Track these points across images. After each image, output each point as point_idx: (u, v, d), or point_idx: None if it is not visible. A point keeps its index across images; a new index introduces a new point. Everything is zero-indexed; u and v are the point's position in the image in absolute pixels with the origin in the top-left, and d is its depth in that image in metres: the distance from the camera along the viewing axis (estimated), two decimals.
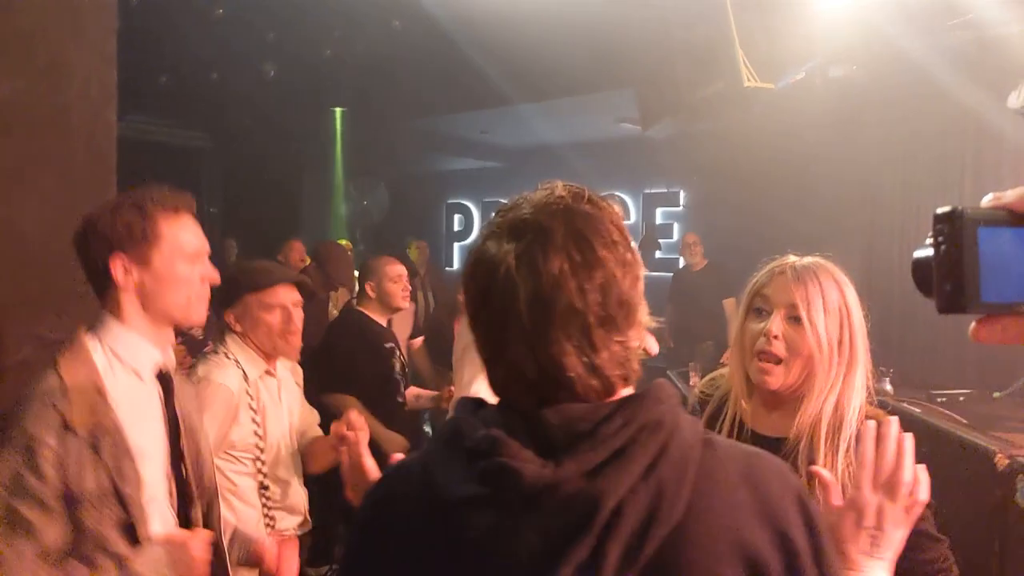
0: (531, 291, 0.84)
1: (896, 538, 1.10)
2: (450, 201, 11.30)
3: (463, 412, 0.92)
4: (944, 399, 3.62)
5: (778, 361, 1.41)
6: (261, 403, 2.40)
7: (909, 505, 1.09)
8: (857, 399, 1.39)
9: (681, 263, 7.31)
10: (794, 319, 1.40)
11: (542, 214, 0.87)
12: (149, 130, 8.82)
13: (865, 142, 5.87)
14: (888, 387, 3.70)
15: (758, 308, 1.46)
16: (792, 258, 1.47)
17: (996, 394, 3.82)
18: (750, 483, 0.84)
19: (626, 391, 0.88)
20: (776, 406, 1.47)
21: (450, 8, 5.32)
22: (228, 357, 2.38)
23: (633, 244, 0.90)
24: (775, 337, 1.40)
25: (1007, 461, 2.72)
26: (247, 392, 2.35)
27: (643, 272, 0.89)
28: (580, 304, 0.83)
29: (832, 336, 1.38)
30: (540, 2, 5.03)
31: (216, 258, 1.76)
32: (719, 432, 1.52)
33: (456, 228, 11.25)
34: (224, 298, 2.41)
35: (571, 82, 6.38)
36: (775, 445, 1.38)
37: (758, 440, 1.46)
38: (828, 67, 5.74)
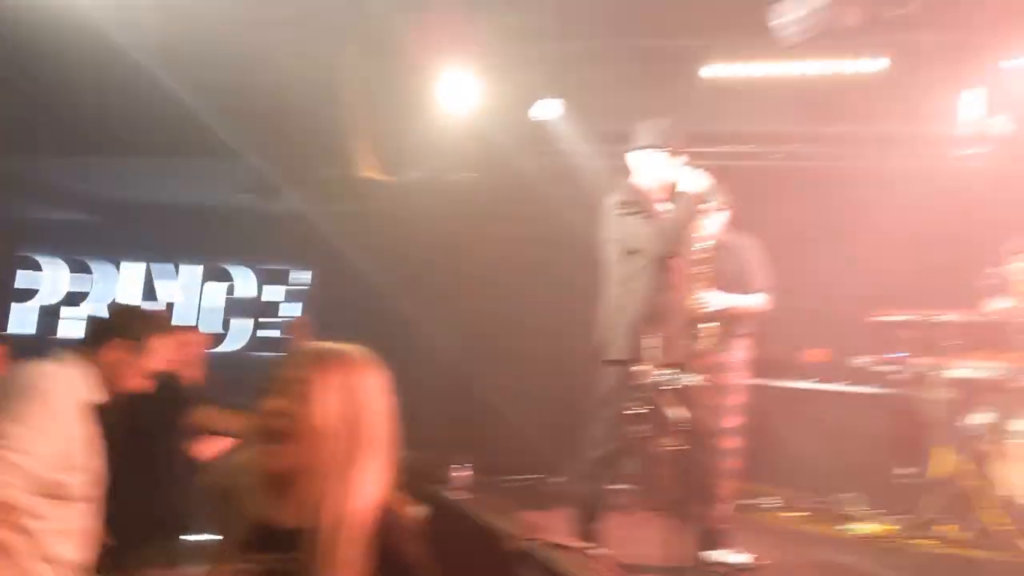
0: None
1: None
2: (20, 254, 9.62)
3: None
4: (512, 484, 3.91)
5: (279, 440, 1.43)
6: None
7: None
8: (371, 486, 1.45)
9: (289, 343, 7.14)
10: (297, 397, 1.45)
11: None
12: None
13: (478, 237, 6.33)
14: (466, 473, 3.89)
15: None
16: (321, 344, 1.54)
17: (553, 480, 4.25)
18: None
19: None
20: (287, 491, 1.46)
21: (48, 40, 4.71)
22: None
23: None
24: (278, 414, 1.45)
25: (519, 543, 2.99)
26: None
27: None
28: None
29: (333, 419, 1.43)
30: (155, 52, 4.70)
31: None
32: (233, 527, 1.48)
33: (22, 286, 9.54)
34: None
35: (186, 142, 5.97)
36: (293, 536, 1.40)
37: (272, 532, 1.45)
38: (448, 170, 6.21)
